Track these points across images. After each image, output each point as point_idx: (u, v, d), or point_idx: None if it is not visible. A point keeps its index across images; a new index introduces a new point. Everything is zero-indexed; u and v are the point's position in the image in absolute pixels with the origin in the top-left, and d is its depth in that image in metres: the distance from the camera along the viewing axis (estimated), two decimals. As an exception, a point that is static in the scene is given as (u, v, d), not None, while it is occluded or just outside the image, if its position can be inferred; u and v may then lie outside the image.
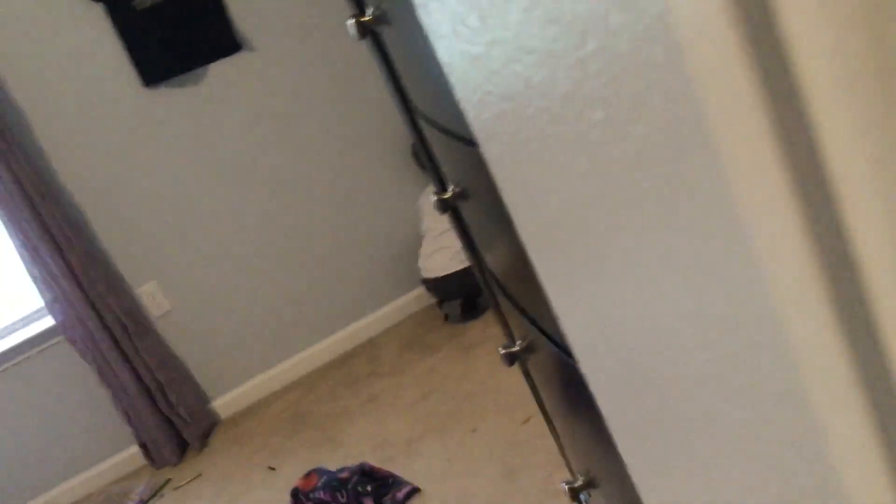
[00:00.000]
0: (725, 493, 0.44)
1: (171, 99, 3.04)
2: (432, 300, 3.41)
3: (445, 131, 0.96)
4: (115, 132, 3.01)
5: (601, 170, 0.38)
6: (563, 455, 1.53)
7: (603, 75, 0.33)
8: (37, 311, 3.17)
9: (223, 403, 3.34)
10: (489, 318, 3.15)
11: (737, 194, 0.29)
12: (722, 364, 0.36)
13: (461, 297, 3.20)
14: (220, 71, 3.07)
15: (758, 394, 0.35)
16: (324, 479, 2.51)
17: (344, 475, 2.49)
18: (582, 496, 1.40)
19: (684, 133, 0.30)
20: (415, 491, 2.39)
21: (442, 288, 3.18)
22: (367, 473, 2.50)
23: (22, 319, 3.19)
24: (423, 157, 1.31)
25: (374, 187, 3.36)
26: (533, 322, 1.05)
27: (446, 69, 0.50)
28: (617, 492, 1.02)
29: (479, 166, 0.88)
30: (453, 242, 3.09)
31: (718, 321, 0.35)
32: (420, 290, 3.44)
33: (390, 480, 2.46)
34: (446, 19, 0.45)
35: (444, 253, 3.12)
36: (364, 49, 3.20)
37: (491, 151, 0.52)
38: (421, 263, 3.23)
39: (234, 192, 3.18)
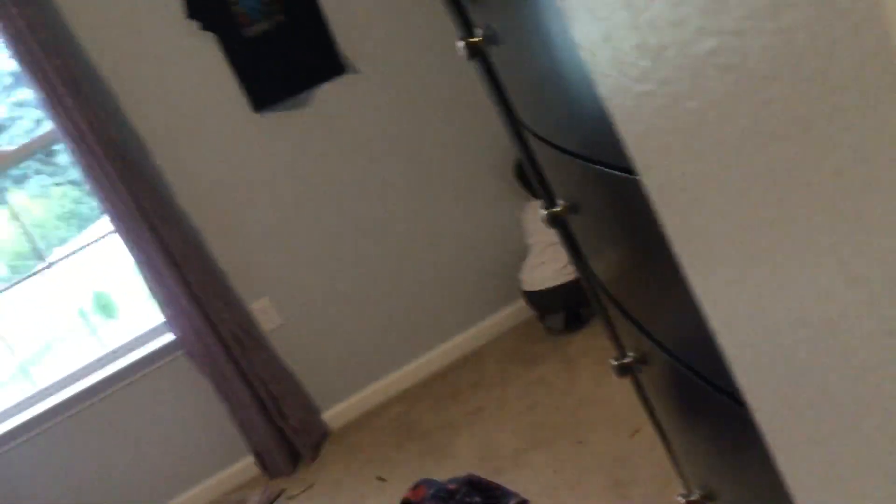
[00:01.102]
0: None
1: (280, 122, 3.17)
2: (533, 313, 3.42)
3: (560, 149, 0.98)
4: (228, 156, 3.15)
5: (780, 197, 0.39)
6: (678, 468, 1.52)
7: (789, 113, 0.34)
8: (157, 328, 3.33)
9: (333, 415, 3.43)
10: (592, 330, 3.13)
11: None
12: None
13: (562, 310, 3.19)
14: (326, 94, 3.18)
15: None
16: (432, 490, 2.55)
17: (452, 486, 2.52)
18: (697, 509, 1.39)
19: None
20: (523, 503, 2.40)
21: (543, 301, 3.18)
22: (474, 485, 2.52)
23: (143, 335, 3.35)
24: (531, 173, 1.33)
25: (476, 204, 3.40)
26: (647, 334, 1.06)
27: (607, 103, 0.53)
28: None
29: (597, 182, 0.90)
30: (557, 256, 3.09)
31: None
32: (521, 303, 3.46)
33: (498, 492, 2.48)
34: (613, 60, 0.48)
35: (546, 267, 3.12)
36: (464, 69, 3.26)
37: (652, 180, 0.54)
38: (522, 276, 3.24)
39: (341, 210, 3.28)
